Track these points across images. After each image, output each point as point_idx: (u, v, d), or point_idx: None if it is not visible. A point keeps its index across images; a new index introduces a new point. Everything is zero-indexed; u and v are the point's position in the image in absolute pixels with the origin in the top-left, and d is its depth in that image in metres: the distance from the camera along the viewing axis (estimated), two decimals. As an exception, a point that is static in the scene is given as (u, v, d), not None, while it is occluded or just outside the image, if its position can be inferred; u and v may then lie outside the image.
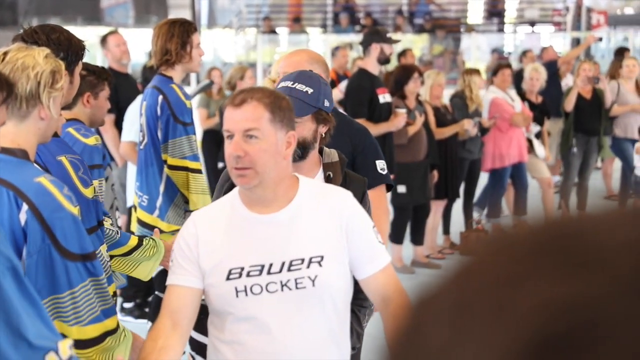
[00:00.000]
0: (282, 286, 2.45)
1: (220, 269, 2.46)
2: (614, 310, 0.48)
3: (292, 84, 2.92)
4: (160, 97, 4.45)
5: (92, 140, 3.71)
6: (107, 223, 3.15)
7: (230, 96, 2.50)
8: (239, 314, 2.46)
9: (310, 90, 2.90)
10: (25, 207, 2.26)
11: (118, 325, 2.53)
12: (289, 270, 2.45)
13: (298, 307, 2.46)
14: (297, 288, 2.45)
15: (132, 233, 3.95)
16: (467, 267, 0.56)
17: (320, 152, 3.02)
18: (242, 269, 2.45)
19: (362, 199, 2.89)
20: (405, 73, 7.07)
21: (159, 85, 4.50)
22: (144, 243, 3.28)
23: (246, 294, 2.45)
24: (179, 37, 4.46)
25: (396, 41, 6.72)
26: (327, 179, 2.95)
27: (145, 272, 3.29)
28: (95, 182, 3.18)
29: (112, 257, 3.22)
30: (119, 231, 3.26)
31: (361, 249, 2.52)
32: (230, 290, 2.45)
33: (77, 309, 2.35)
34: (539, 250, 0.53)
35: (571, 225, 0.56)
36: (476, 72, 8.29)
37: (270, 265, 2.45)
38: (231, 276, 2.45)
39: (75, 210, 2.34)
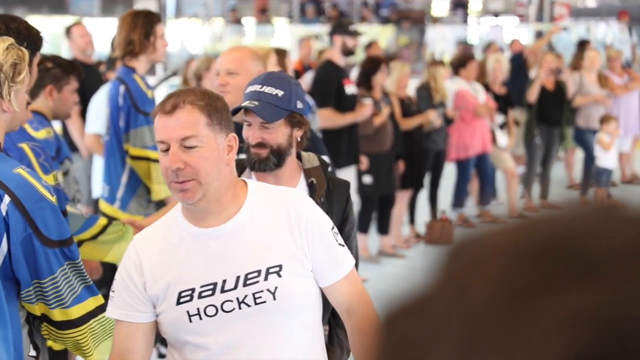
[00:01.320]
0: (240, 303, 2.21)
1: (169, 293, 2.23)
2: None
3: (261, 87, 2.70)
4: (122, 88, 4.46)
5: (42, 134, 3.71)
6: (70, 207, 3.16)
7: (159, 103, 2.24)
8: (196, 340, 2.23)
9: (280, 93, 2.68)
10: (7, 199, 2.28)
11: (103, 307, 2.48)
12: (244, 285, 2.22)
13: (261, 325, 2.23)
14: (256, 304, 2.21)
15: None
16: (464, 274, 0.52)
17: (299, 157, 2.82)
18: (193, 290, 2.22)
19: (347, 203, 2.78)
20: (373, 64, 7.13)
21: (121, 76, 4.51)
22: (114, 223, 3.29)
23: (200, 318, 2.22)
24: (142, 27, 4.45)
25: (358, 34, 6.78)
26: (310, 186, 2.74)
27: (120, 254, 3.23)
28: (53, 174, 3.19)
29: (81, 242, 3.22)
30: (84, 214, 3.27)
31: (322, 255, 2.30)
32: (182, 315, 2.22)
33: (59, 292, 2.36)
34: (541, 256, 0.50)
35: (567, 227, 0.53)
36: (441, 63, 8.39)
37: (224, 282, 2.22)
38: (181, 300, 2.22)
39: (54, 199, 2.36)
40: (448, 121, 8.06)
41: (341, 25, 6.77)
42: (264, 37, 19.08)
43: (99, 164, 5.52)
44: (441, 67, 8.12)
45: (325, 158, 3.32)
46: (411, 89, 8.11)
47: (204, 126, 2.19)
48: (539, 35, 16.59)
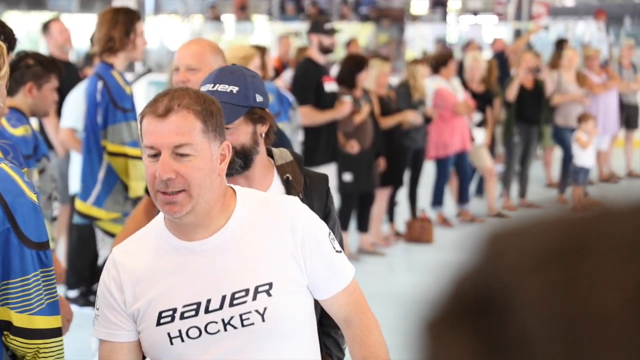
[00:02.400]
0: (225, 325, 2.03)
1: (149, 313, 2.06)
2: None
3: (213, 86, 2.47)
4: (100, 84, 4.45)
5: (20, 131, 3.69)
6: None
7: (149, 102, 2.04)
8: None
9: (235, 89, 2.46)
10: None
11: (61, 330, 2.37)
12: (231, 305, 2.03)
13: (248, 348, 2.04)
14: (243, 326, 2.03)
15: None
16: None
17: (270, 154, 2.61)
18: (174, 310, 2.04)
19: (327, 197, 2.60)
20: (357, 63, 7.14)
21: (99, 72, 4.49)
22: None
23: (182, 340, 2.04)
24: (123, 25, 4.45)
25: (334, 32, 6.77)
26: (286, 183, 2.54)
27: None
28: (24, 171, 3.15)
29: None
30: None
31: (319, 267, 2.11)
32: (163, 337, 2.05)
33: (27, 297, 2.26)
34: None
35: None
36: (420, 62, 8.41)
37: (208, 301, 2.03)
38: (162, 320, 2.05)
39: (34, 197, 2.33)
40: (427, 120, 8.08)
41: (317, 24, 6.77)
42: (244, 35, 19.03)
43: (76, 161, 5.49)
44: (420, 66, 8.14)
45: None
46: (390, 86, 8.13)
47: (199, 133, 1.99)
48: (517, 33, 16.67)
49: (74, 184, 5.55)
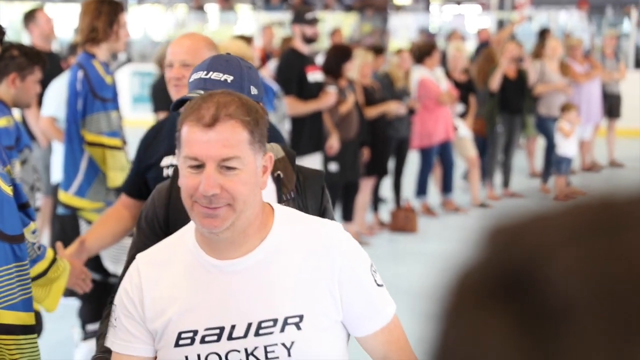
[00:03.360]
0: (248, 355, 1.88)
1: (168, 332, 1.92)
2: None
3: (206, 74, 2.36)
4: (81, 73, 4.45)
5: (2, 122, 3.68)
6: (29, 234, 2.64)
7: (190, 107, 1.87)
8: None
9: (229, 78, 2.35)
10: None
11: (34, 328, 2.33)
12: (256, 334, 1.87)
13: None
14: (267, 358, 1.87)
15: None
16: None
17: None
18: (195, 332, 1.90)
19: (322, 195, 2.45)
20: (343, 53, 7.15)
21: (81, 62, 4.50)
22: (57, 259, 2.86)
23: None
24: (107, 15, 4.44)
25: (316, 21, 6.78)
26: (277, 180, 2.38)
27: (57, 298, 2.85)
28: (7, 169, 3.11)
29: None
30: (40, 247, 2.77)
31: (358, 303, 1.93)
32: (179, 359, 1.91)
33: None
34: None
35: None
36: (404, 52, 8.42)
37: (232, 327, 1.88)
38: (181, 342, 1.91)
39: (9, 189, 2.30)
40: (411, 111, 8.11)
41: (299, 14, 6.78)
42: (227, 24, 18.98)
43: (58, 152, 5.48)
44: (406, 55, 8.16)
45: None
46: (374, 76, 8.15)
47: (246, 145, 1.84)
48: (500, 24, 16.71)
49: (56, 174, 5.54)
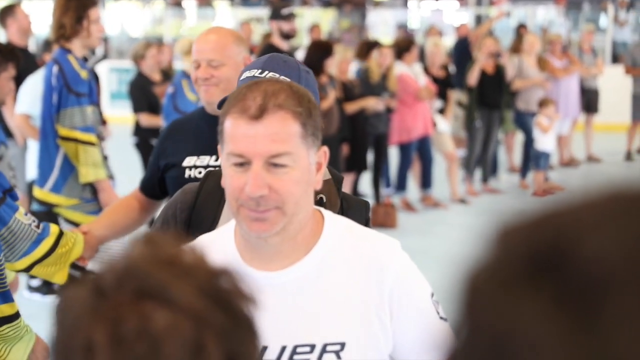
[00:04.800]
0: None
1: None
2: None
3: (261, 73, 2.16)
4: (56, 68, 4.43)
5: None
6: (22, 217, 2.57)
7: (234, 97, 1.65)
8: None
9: (286, 80, 2.04)
10: None
11: (18, 315, 2.34)
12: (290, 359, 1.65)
13: None
14: None
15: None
16: None
17: None
18: None
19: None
20: (323, 48, 7.14)
21: (56, 57, 4.48)
22: (65, 232, 2.76)
23: None
24: (74, 11, 4.40)
25: (293, 17, 6.76)
26: (319, 204, 2.08)
27: (66, 268, 2.74)
28: None
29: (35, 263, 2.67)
30: (39, 224, 2.66)
31: (411, 332, 1.68)
32: None
33: None
34: None
35: None
36: (385, 48, 8.44)
37: (264, 349, 1.65)
38: None
39: None
40: (389, 109, 8.13)
41: (275, 10, 6.78)
42: (205, 20, 18.92)
43: (33, 148, 5.44)
44: (385, 51, 8.17)
45: None
46: (352, 73, 8.15)
47: (298, 139, 1.61)
48: (478, 20, 16.76)
49: (31, 172, 5.50)
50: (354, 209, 2.18)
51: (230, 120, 1.61)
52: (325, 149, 1.71)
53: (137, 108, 7.39)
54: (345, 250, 1.69)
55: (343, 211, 2.14)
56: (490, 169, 9.60)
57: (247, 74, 2.18)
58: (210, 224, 2.08)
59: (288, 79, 2.05)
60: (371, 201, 8.34)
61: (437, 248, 7.10)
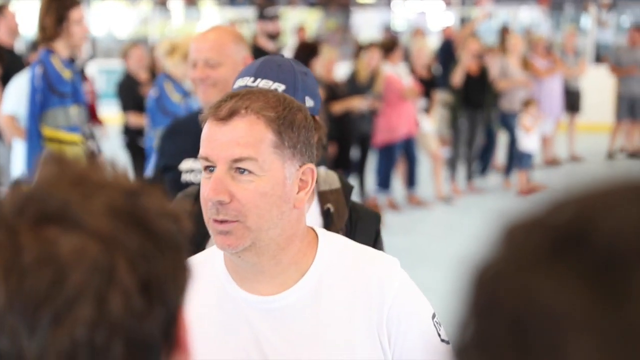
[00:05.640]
0: None
1: None
2: None
3: (254, 81, 2.00)
4: (39, 69, 4.46)
5: None
6: None
7: (214, 103, 1.57)
8: None
9: (281, 87, 1.98)
10: None
11: None
12: None
13: None
14: None
15: None
16: None
17: None
18: None
19: (375, 240, 2.07)
20: (309, 49, 7.23)
21: (40, 58, 4.51)
22: None
23: None
24: (54, 12, 4.40)
25: (276, 17, 6.85)
26: (326, 215, 2.02)
27: None
28: None
29: None
30: None
31: (412, 355, 1.57)
32: None
33: None
34: None
35: None
36: (371, 48, 8.54)
37: None
38: None
39: None
40: (373, 111, 8.24)
41: (260, 11, 6.89)
42: (192, 21, 18.96)
43: (17, 149, 5.48)
44: (371, 52, 8.27)
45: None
46: (338, 73, 8.24)
47: (269, 147, 1.50)
48: (462, 21, 16.87)
49: (16, 172, 5.54)
50: (363, 220, 2.07)
51: (205, 124, 1.56)
52: (312, 167, 1.57)
53: (125, 107, 7.47)
54: (342, 272, 1.59)
55: (352, 222, 2.04)
56: (482, 168, 9.72)
57: (239, 82, 2.05)
58: (205, 235, 1.97)
59: (283, 85, 1.97)
60: (356, 200, 8.40)
61: (422, 247, 7.20)
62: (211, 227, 1.51)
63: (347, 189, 2.07)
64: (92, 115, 7.73)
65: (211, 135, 1.51)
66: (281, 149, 1.50)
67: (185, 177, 2.68)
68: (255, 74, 2.02)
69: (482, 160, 9.74)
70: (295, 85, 1.99)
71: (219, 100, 1.55)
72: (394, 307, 1.56)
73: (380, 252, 1.70)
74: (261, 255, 1.52)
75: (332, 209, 2.01)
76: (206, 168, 1.52)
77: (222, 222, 1.49)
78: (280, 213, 1.51)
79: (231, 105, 1.51)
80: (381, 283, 1.57)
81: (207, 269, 1.60)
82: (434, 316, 1.61)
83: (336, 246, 1.62)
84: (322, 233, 1.64)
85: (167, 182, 2.71)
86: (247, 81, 2.00)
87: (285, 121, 1.51)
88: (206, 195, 1.49)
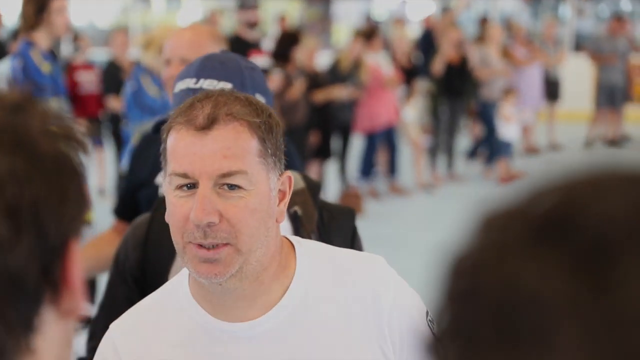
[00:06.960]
0: None
1: None
2: None
3: (196, 82, 1.85)
4: (18, 62, 4.46)
5: None
6: None
7: (179, 108, 1.36)
8: None
9: (227, 87, 1.81)
10: None
11: None
12: None
13: None
14: None
15: None
16: None
17: None
18: None
19: (352, 240, 1.90)
20: (291, 38, 7.26)
21: (19, 50, 4.51)
22: None
23: None
24: (36, 1, 4.40)
25: (255, 7, 6.89)
26: (294, 218, 1.85)
27: None
28: None
29: None
30: None
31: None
32: None
33: None
34: None
35: None
36: (355, 36, 8.59)
37: None
38: None
39: None
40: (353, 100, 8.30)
41: (240, 1, 6.95)
42: (173, 12, 18.92)
43: None
44: (356, 41, 8.32)
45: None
46: (319, 62, 8.28)
47: (255, 157, 1.32)
48: (443, 10, 16.93)
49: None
50: (337, 219, 1.90)
51: (174, 134, 1.32)
52: (290, 174, 1.41)
53: (107, 90, 7.62)
54: (328, 284, 1.41)
55: (324, 223, 1.88)
56: (469, 156, 9.86)
57: (180, 85, 1.88)
58: (167, 262, 1.80)
59: (229, 84, 1.82)
60: (338, 188, 8.49)
61: (403, 234, 7.26)
62: (191, 254, 1.31)
63: (313, 188, 1.89)
64: (97, 106, 7.88)
65: (188, 147, 1.30)
66: (265, 157, 1.33)
67: (162, 192, 2.49)
68: (196, 74, 1.86)
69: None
70: (243, 83, 1.85)
71: (185, 107, 1.34)
72: (393, 315, 1.40)
73: (362, 253, 1.56)
74: (244, 279, 1.33)
75: (299, 212, 1.85)
76: (180, 186, 1.31)
77: (209, 248, 1.29)
78: (266, 230, 1.34)
79: (209, 112, 1.30)
80: (374, 287, 1.41)
81: (171, 305, 1.41)
82: (427, 314, 1.46)
83: (317, 256, 1.44)
84: (296, 241, 1.46)
85: (142, 200, 2.52)
86: (189, 83, 1.84)
87: (266, 127, 1.34)
88: (193, 217, 1.28)
